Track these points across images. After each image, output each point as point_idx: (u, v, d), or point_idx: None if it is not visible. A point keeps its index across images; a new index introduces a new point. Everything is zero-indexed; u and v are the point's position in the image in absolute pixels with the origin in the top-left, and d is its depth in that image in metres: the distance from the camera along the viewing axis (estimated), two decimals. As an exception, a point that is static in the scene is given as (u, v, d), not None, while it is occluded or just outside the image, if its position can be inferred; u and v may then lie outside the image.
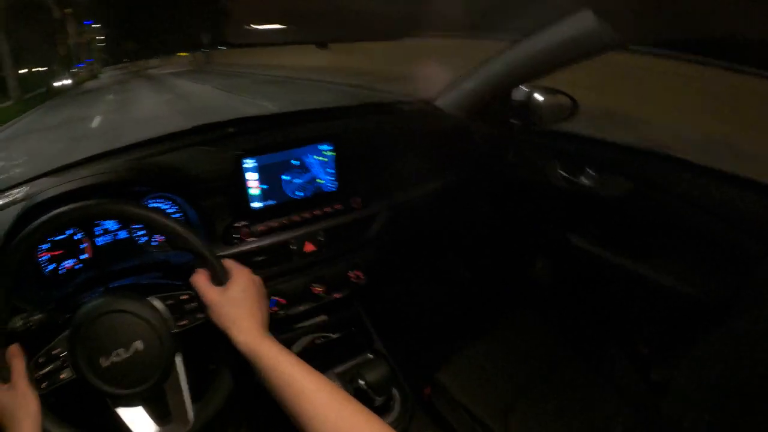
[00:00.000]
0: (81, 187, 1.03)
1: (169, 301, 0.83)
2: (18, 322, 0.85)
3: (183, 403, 0.84)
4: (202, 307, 0.80)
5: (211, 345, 0.91)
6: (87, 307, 0.80)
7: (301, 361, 0.70)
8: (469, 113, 1.34)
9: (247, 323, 0.75)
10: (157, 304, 0.82)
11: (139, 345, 0.78)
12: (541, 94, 1.34)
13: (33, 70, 31.60)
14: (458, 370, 1.28)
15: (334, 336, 1.25)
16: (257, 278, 0.83)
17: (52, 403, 0.77)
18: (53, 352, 0.78)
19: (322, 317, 1.26)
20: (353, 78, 10.08)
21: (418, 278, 1.50)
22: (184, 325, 0.83)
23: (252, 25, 0.92)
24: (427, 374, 1.29)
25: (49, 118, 13.53)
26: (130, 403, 0.83)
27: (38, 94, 22.64)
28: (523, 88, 1.34)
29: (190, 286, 0.82)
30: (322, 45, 0.98)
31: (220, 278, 0.80)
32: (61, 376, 0.77)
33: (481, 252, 1.53)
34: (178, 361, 0.84)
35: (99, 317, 0.78)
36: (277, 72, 14.55)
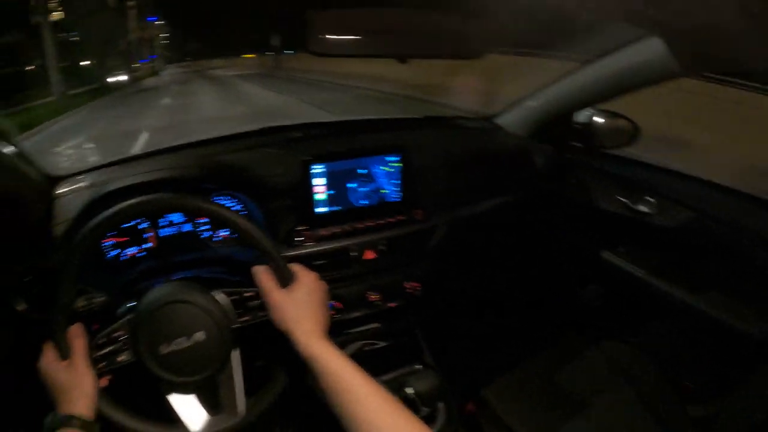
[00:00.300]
0: (151, 180, 1.07)
1: (233, 297, 0.86)
2: (81, 303, 0.89)
3: (235, 395, 0.86)
4: (265, 305, 0.82)
5: (266, 343, 0.94)
6: (153, 294, 0.83)
7: (358, 366, 0.71)
8: (530, 133, 1.35)
9: (309, 326, 0.77)
10: (222, 298, 0.85)
11: (200, 336, 0.81)
12: (603, 117, 1.34)
13: (85, 63, 30.07)
14: (503, 389, 1.28)
15: (384, 344, 1.27)
16: (323, 284, 0.85)
17: (108, 384, 0.81)
18: (114, 335, 0.82)
19: (374, 325, 1.27)
20: (410, 89, 10.05)
21: (471, 294, 1.51)
22: (245, 321, 0.85)
23: (333, 36, 0.94)
24: (472, 390, 1.30)
25: (99, 116, 13.34)
26: (183, 390, 0.86)
27: (90, 90, 21.79)
28: (586, 110, 1.34)
29: (253, 284, 0.84)
30: (402, 60, 0.99)
31: (285, 280, 0.81)
32: (119, 359, 0.81)
33: (534, 272, 1.53)
34: (235, 355, 0.87)
35: (164, 306, 0.81)
36: (338, 80, 14.80)
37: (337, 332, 1.24)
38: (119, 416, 0.81)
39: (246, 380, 0.88)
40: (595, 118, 1.34)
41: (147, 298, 0.83)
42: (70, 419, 0.73)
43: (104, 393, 0.80)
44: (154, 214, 1.09)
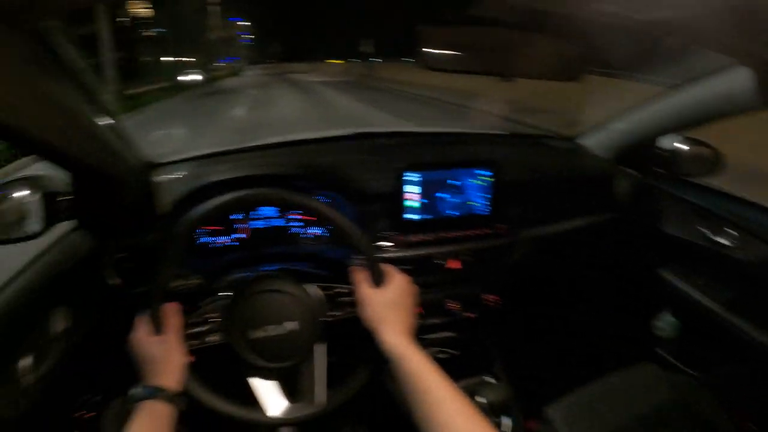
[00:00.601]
0: (249, 175, 1.13)
1: (326, 291, 0.91)
2: (176, 283, 0.95)
3: (319, 386, 0.90)
4: (356, 302, 0.86)
5: (350, 339, 0.98)
6: (250, 281, 0.88)
7: (440, 370, 0.74)
8: (613, 156, 1.35)
9: (397, 326, 0.81)
10: (314, 291, 0.90)
11: (291, 325, 0.86)
12: (686, 143, 1.34)
13: (163, 59, 30.61)
14: (567, 410, 1.27)
15: (456, 353, 1.29)
16: (414, 287, 0.89)
17: (193, 362, 0.86)
18: (207, 316, 0.88)
19: (449, 333, 1.30)
20: (496, 105, 9.93)
21: (545, 312, 1.52)
22: (335, 316, 0.90)
23: (442, 51, 0.98)
24: (535, 408, 1.30)
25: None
26: (266, 375, 0.90)
27: (158, 89, 21.34)
28: (669, 136, 1.34)
29: (346, 281, 0.89)
30: (507, 78, 1.03)
31: (379, 279, 0.86)
32: (209, 339, 0.87)
33: (608, 297, 1.53)
34: (320, 347, 0.91)
35: (260, 293, 0.87)
36: (421, 91, 14.91)
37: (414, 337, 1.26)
38: (202, 393, 0.86)
39: (328, 373, 0.92)
40: (679, 145, 1.34)
41: (243, 285, 0.89)
42: (158, 391, 0.78)
43: (191, 369, 0.85)
44: (251, 207, 1.15)
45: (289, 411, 0.89)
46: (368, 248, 0.86)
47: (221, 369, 0.90)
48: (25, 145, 0.79)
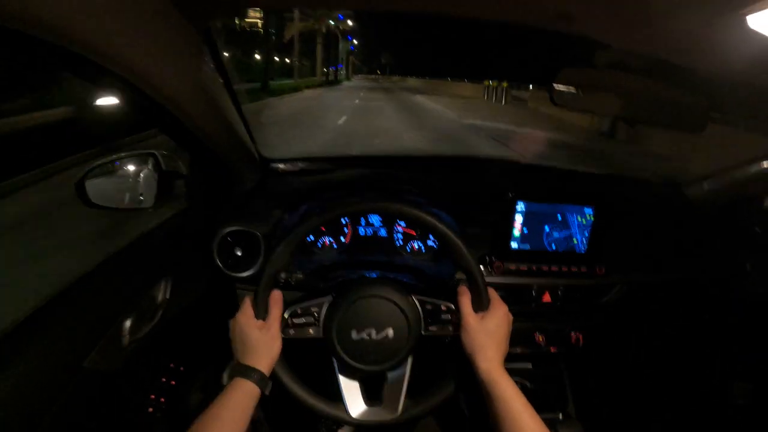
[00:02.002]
0: (361, 183, 1.15)
1: (428, 306, 0.91)
2: (283, 275, 0.98)
3: (398, 395, 0.91)
4: (457, 325, 0.88)
5: (438, 355, 0.98)
6: (357, 284, 0.91)
7: (527, 401, 0.77)
8: (719, 208, 1.31)
9: (492, 353, 0.82)
10: (418, 305, 0.90)
11: (390, 332, 0.87)
12: None
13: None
14: None
15: (531, 386, 1.28)
16: (511, 316, 0.89)
17: (287, 350, 0.88)
18: (311, 309, 0.90)
19: (528, 365, 1.30)
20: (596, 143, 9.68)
21: (626, 358, 1.49)
22: (432, 331, 0.91)
23: (574, 89, 0.97)
24: None
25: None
26: (354, 376, 0.92)
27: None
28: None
29: (448, 298, 0.91)
30: (630, 123, 1.01)
31: (482, 305, 0.87)
32: (309, 331, 0.90)
33: (692, 355, 1.49)
34: (410, 358, 0.92)
35: (367, 297, 0.88)
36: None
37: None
38: (290, 381, 0.89)
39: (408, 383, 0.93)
40: None
41: (349, 286, 0.91)
42: (251, 371, 0.82)
43: (283, 358, 0.88)
44: (363, 215, 1.18)
45: (365, 413, 0.91)
46: (478, 272, 0.87)
47: (311, 362, 0.93)
48: (159, 123, 0.84)
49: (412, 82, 55.15)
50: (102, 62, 0.55)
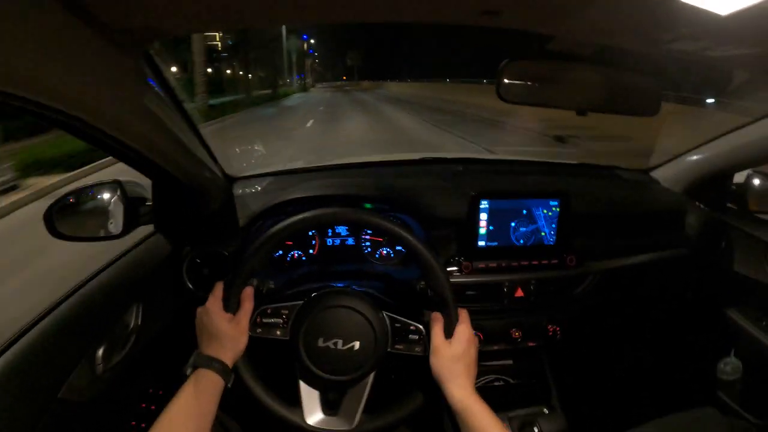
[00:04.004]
0: (325, 195, 1.15)
1: (397, 324, 0.91)
2: (254, 281, 0.97)
3: (356, 407, 0.91)
4: (424, 346, 0.89)
5: (400, 373, 0.99)
6: (334, 294, 0.91)
7: (503, 425, 0.78)
8: (686, 190, 1.32)
9: (463, 380, 0.83)
10: (388, 321, 0.90)
11: (356, 345, 0.87)
12: (761, 179, 1.29)
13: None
14: None
15: (513, 381, 1.28)
16: (475, 338, 0.90)
17: (251, 350, 0.88)
18: (281, 311, 0.90)
19: (508, 361, 1.29)
20: (559, 130, 9.60)
21: (606, 346, 1.49)
22: (398, 349, 0.90)
23: (520, 82, 0.98)
24: None
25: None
26: (315, 383, 0.92)
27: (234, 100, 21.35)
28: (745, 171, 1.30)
29: (417, 317, 0.91)
30: (581, 113, 1.02)
31: (451, 330, 0.87)
32: (276, 332, 0.90)
33: (673, 335, 1.49)
34: (372, 374, 0.92)
35: (340, 308, 0.88)
36: (483, 113, 13.75)
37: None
38: (251, 380, 0.89)
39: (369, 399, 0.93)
40: (753, 180, 1.30)
41: (321, 294, 0.91)
42: (215, 362, 0.82)
43: (246, 355, 0.88)
44: (329, 225, 1.18)
45: (321, 422, 0.91)
46: (450, 297, 0.87)
47: (274, 363, 0.94)
48: (115, 153, 0.84)
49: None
50: (36, 98, 0.54)
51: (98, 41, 0.60)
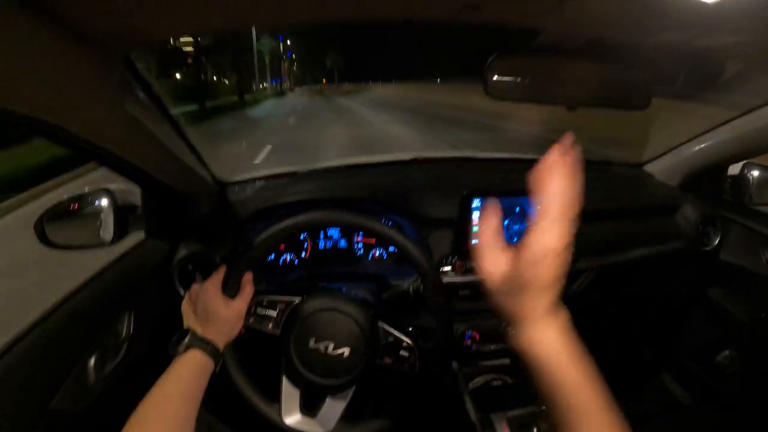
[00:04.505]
0: (317, 198, 1.15)
1: (390, 338, 0.90)
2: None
3: (335, 413, 0.91)
4: (414, 369, 0.90)
5: (380, 386, 0.98)
6: (335, 296, 0.89)
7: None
8: (680, 183, 1.31)
9: (527, 311, 0.53)
10: (381, 333, 0.90)
11: (346, 352, 0.86)
12: (757, 170, 1.28)
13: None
14: None
15: (511, 381, 1.26)
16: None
17: (239, 339, 0.88)
18: (277, 304, 0.90)
19: (506, 360, 1.28)
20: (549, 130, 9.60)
21: (605, 342, 1.48)
22: (386, 363, 0.90)
23: (507, 78, 0.97)
24: None
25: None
26: (298, 382, 0.91)
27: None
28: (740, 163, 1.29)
29: (411, 336, 0.91)
30: (571, 108, 1.01)
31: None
32: (268, 325, 0.89)
33: (672, 329, 1.47)
34: (356, 382, 0.91)
35: (337, 312, 0.87)
36: (469, 115, 13.68)
37: (469, 362, 1.26)
38: (234, 368, 0.89)
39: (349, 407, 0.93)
40: (749, 172, 1.29)
41: (324, 295, 0.90)
42: (208, 344, 0.80)
43: (236, 343, 0.87)
44: (321, 228, 1.18)
45: (297, 422, 0.90)
46: (445, 313, 0.89)
47: (259, 357, 0.93)
48: (102, 160, 0.83)
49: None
50: (13, 108, 0.53)
51: (76, 47, 0.59)
